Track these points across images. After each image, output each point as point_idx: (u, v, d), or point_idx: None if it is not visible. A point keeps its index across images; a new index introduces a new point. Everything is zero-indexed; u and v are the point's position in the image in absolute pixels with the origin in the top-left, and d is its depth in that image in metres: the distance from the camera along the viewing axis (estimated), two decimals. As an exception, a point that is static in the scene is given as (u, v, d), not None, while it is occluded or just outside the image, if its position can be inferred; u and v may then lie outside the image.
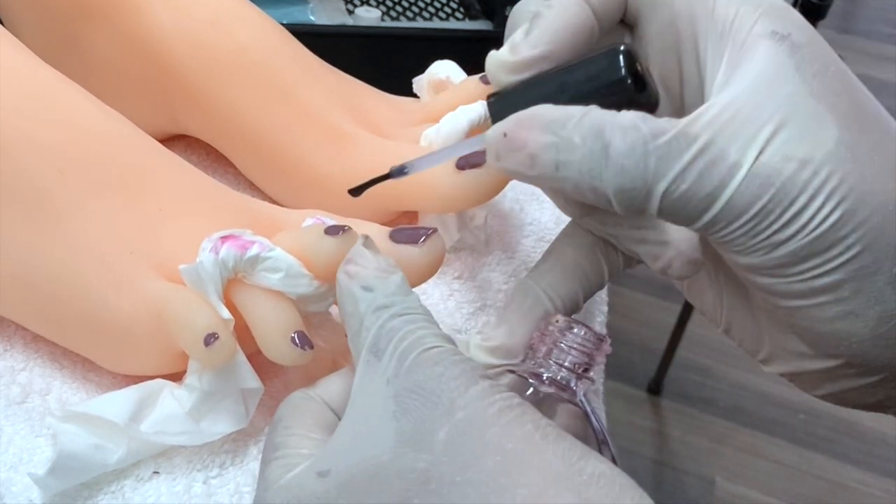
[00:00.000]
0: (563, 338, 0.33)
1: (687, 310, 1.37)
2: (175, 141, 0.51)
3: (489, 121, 0.45)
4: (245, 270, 0.35)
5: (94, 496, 0.35)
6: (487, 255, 0.48)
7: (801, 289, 0.30)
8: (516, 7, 0.36)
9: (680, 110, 0.34)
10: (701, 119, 0.29)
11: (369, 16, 0.88)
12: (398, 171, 0.36)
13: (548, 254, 0.36)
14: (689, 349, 1.44)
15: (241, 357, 0.35)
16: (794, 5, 1.17)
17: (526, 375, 0.33)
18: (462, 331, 0.44)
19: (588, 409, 0.33)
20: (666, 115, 0.34)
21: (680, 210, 0.30)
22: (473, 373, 0.28)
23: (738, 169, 0.29)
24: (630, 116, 0.30)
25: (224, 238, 0.35)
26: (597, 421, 0.32)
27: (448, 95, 0.47)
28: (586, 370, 0.33)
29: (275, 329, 0.35)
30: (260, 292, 0.35)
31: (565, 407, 0.32)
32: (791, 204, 0.29)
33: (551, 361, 0.33)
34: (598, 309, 0.57)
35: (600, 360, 0.33)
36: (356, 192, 0.37)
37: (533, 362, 0.33)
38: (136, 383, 0.36)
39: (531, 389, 0.32)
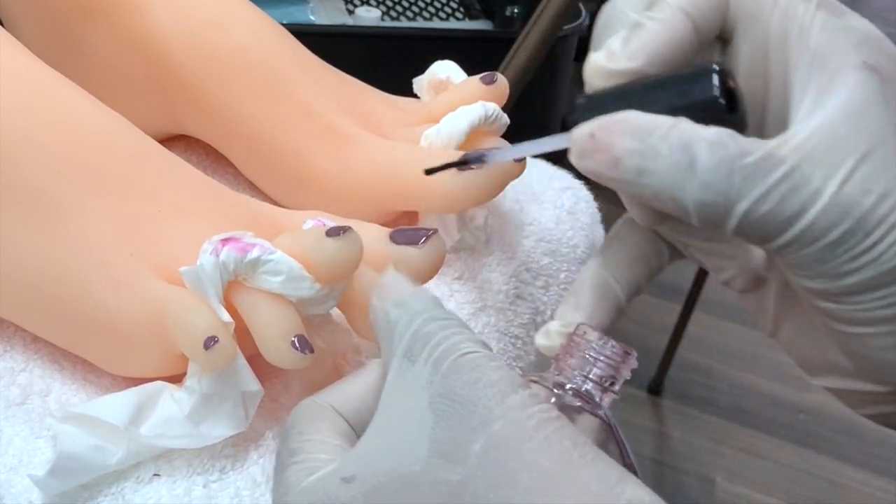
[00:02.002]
0: (589, 350, 0.32)
1: (687, 310, 1.37)
2: (175, 141, 0.51)
3: (490, 122, 0.45)
4: (246, 273, 0.35)
5: (94, 497, 0.35)
6: (487, 255, 0.48)
7: (862, 317, 0.31)
8: (609, 7, 0.36)
9: (761, 128, 0.34)
10: (789, 143, 0.30)
11: (369, 16, 0.88)
12: (476, 159, 0.36)
13: (611, 239, 0.36)
14: (689, 349, 1.44)
15: (241, 360, 0.35)
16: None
17: (551, 386, 0.32)
18: (462, 331, 0.44)
19: (613, 423, 0.32)
20: (751, 130, 0.34)
21: (757, 230, 0.30)
22: (511, 380, 0.28)
23: (820, 197, 0.29)
24: (718, 132, 0.30)
25: (224, 240, 0.35)
26: (621, 436, 0.32)
27: (448, 96, 0.47)
28: (612, 383, 0.32)
29: (275, 333, 0.34)
30: (260, 295, 0.35)
31: (587, 419, 0.32)
32: (866, 236, 0.29)
33: (576, 373, 0.32)
34: (599, 309, 0.56)
35: (626, 373, 0.32)
36: (430, 172, 0.37)
37: (559, 373, 0.33)
38: (135, 385, 0.36)
39: (555, 401, 0.32)
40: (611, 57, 0.33)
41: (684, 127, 0.30)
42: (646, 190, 0.31)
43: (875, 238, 0.29)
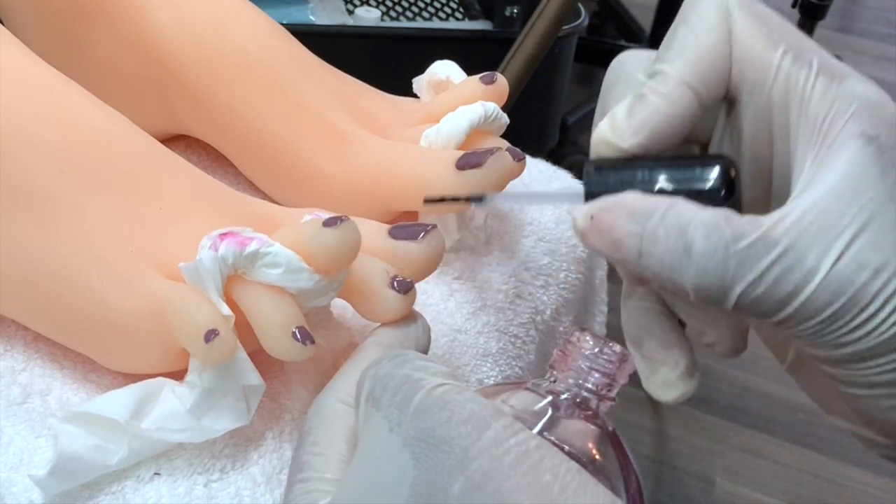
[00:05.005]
0: (585, 357, 0.32)
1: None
2: (175, 141, 0.51)
3: (490, 122, 0.45)
4: (245, 267, 0.35)
5: (94, 497, 0.35)
6: (487, 255, 0.48)
7: (863, 381, 0.31)
8: (616, 65, 0.36)
9: (768, 188, 0.35)
10: (782, 223, 0.30)
11: (369, 16, 0.88)
12: (477, 198, 0.37)
13: None
14: (689, 349, 1.43)
15: (242, 354, 0.35)
16: (794, 6, 1.17)
17: (545, 394, 0.32)
18: (462, 331, 0.44)
19: (612, 428, 0.32)
20: (756, 190, 0.35)
21: (753, 310, 0.31)
22: (484, 412, 0.27)
23: (814, 276, 0.30)
24: (713, 216, 0.30)
25: (223, 235, 0.35)
26: (621, 439, 0.32)
27: (448, 95, 0.47)
28: (608, 390, 0.32)
29: (276, 324, 0.35)
30: (260, 288, 0.35)
31: (584, 425, 0.31)
32: (861, 311, 0.30)
33: (572, 382, 0.32)
34: (598, 309, 0.57)
35: (623, 379, 0.32)
36: (428, 201, 0.37)
37: (554, 381, 0.32)
38: (136, 383, 0.36)
39: (550, 410, 0.32)
40: (615, 130, 0.33)
41: (681, 209, 0.31)
42: (646, 271, 0.31)
43: (870, 312, 0.30)
